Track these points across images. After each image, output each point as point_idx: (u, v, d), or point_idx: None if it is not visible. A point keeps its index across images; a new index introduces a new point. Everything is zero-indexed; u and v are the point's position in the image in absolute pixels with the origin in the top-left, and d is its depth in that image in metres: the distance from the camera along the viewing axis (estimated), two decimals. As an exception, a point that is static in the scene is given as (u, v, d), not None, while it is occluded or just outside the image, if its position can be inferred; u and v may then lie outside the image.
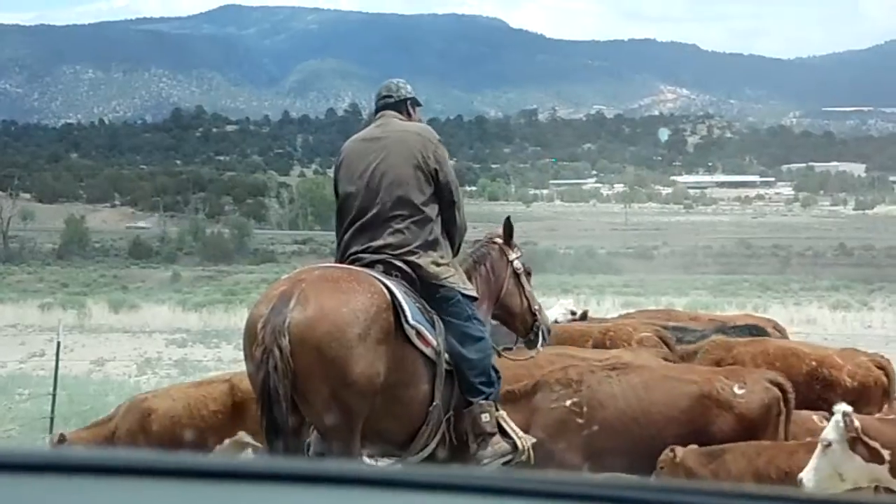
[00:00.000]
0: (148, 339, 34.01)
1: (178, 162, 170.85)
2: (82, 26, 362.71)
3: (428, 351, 7.02)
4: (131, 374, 24.79)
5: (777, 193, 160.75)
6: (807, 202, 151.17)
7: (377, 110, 7.76)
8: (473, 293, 7.37)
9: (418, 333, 6.95)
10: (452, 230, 7.42)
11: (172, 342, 32.95)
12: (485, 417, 7.14)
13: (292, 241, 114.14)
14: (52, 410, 15.14)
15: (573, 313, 13.32)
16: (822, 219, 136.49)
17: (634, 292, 56.61)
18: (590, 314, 14.26)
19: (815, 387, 9.89)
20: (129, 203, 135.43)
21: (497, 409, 7.27)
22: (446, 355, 7.08)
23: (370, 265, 7.10)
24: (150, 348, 30.92)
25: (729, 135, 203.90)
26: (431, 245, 7.22)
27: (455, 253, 7.56)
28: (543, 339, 8.12)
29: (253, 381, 6.91)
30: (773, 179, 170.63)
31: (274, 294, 6.87)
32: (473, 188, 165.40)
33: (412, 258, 7.13)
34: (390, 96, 7.72)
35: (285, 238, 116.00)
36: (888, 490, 7.56)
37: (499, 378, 7.33)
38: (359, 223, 7.25)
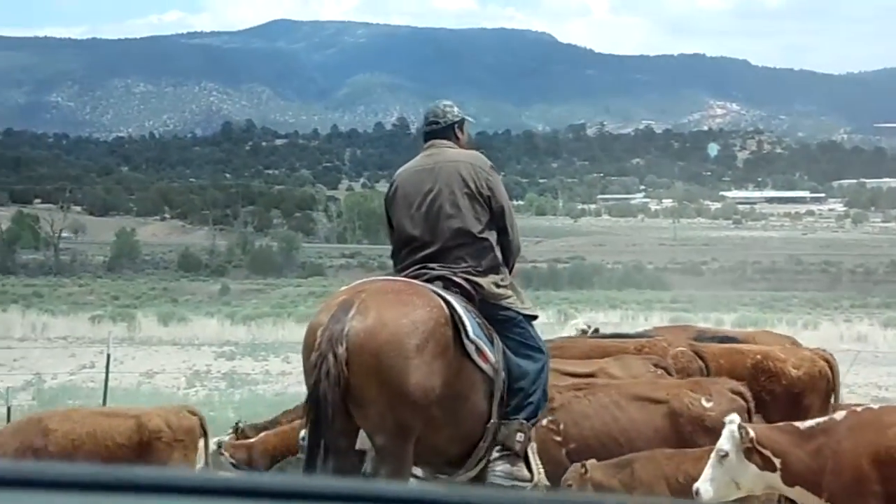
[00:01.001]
0: (197, 352, 34.21)
1: (228, 175, 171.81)
2: (134, 40, 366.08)
3: (486, 367, 7.03)
4: (180, 387, 24.95)
5: (828, 209, 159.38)
6: (858, 218, 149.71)
7: (425, 137, 7.72)
8: (534, 312, 7.42)
9: (477, 349, 6.98)
10: (507, 253, 7.47)
11: (221, 355, 33.14)
12: (520, 436, 7.15)
13: (340, 254, 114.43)
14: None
15: (584, 331, 13.39)
16: (873, 235, 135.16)
17: (683, 308, 56.36)
18: (627, 330, 14.41)
19: (760, 379, 10.21)
20: (178, 216, 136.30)
21: (530, 441, 7.27)
22: (504, 373, 7.09)
23: (431, 280, 7.13)
24: (199, 361, 31.10)
25: (779, 150, 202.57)
26: (492, 269, 7.28)
27: (510, 273, 7.57)
28: None
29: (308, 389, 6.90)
30: (823, 195, 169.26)
31: (334, 303, 6.93)
32: (521, 202, 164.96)
33: (473, 277, 7.18)
34: (437, 122, 7.69)
35: (333, 252, 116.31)
36: (786, 499, 7.77)
37: (545, 404, 7.36)
38: (419, 255, 7.29)
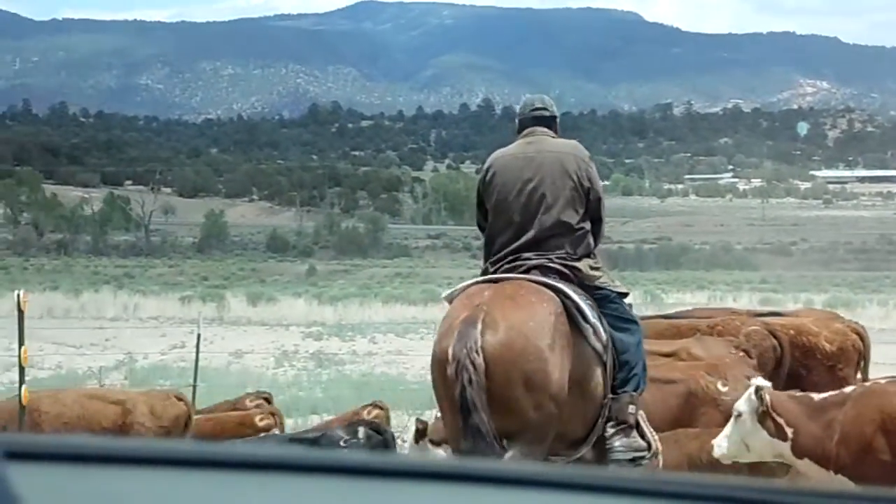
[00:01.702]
0: (285, 332, 34.53)
1: (315, 157, 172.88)
2: (221, 23, 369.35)
3: (598, 346, 7.16)
4: (269, 367, 25.20)
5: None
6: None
7: (527, 123, 7.68)
8: (625, 290, 7.58)
9: (594, 331, 7.13)
10: (598, 240, 7.61)
11: (309, 335, 33.40)
12: (631, 409, 7.26)
13: (426, 235, 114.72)
14: (193, 402, 15.47)
15: None
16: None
17: (772, 289, 55.82)
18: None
19: (794, 354, 10.47)
20: (266, 198, 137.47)
21: (639, 408, 7.39)
22: (611, 349, 7.25)
23: (528, 270, 7.23)
24: (287, 341, 31.38)
25: (870, 129, 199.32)
26: (586, 255, 7.42)
27: (598, 242, 7.74)
28: None
29: (447, 402, 6.98)
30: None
31: (456, 323, 6.94)
32: (607, 183, 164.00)
33: (571, 262, 7.31)
34: (545, 109, 7.72)
35: (419, 233, 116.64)
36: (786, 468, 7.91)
37: (645, 373, 7.45)
38: (515, 244, 7.36)
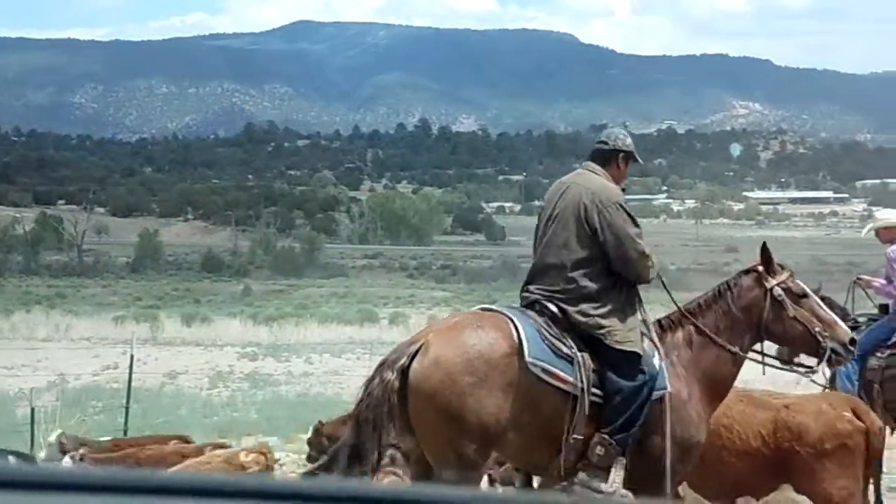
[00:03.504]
0: (219, 353, 34.25)
1: (250, 176, 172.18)
2: (156, 42, 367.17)
3: (566, 387, 7.15)
4: (203, 388, 24.99)
5: (851, 210, 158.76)
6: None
7: (590, 154, 7.93)
8: (629, 347, 7.33)
9: (544, 370, 7.10)
10: (628, 276, 7.50)
11: (244, 355, 33.17)
12: (599, 450, 7.24)
13: (362, 255, 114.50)
14: (126, 423, 15.31)
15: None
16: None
17: (705, 309, 56.10)
18: None
19: None
20: (201, 217, 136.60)
21: (615, 455, 7.29)
22: (595, 390, 7.22)
23: (529, 305, 7.39)
24: (222, 361, 31.14)
25: (802, 150, 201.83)
26: (585, 297, 7.37)
27: (643, 280, 7.59)
28: (830, 359, 7.94)
29: (353, 408, 7.33)
30: (846, 196, 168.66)
31: (404, 342, 7.32)
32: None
33: (563, 305, 7.34)
34: (605, 143, 7.90)
35: (356, 252, 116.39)
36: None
37: (638, 426, 7.31)
38: (534, 267, 7.60)
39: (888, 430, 11.06)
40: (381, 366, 7.12)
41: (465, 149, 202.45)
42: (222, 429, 17.34)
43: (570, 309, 7.31)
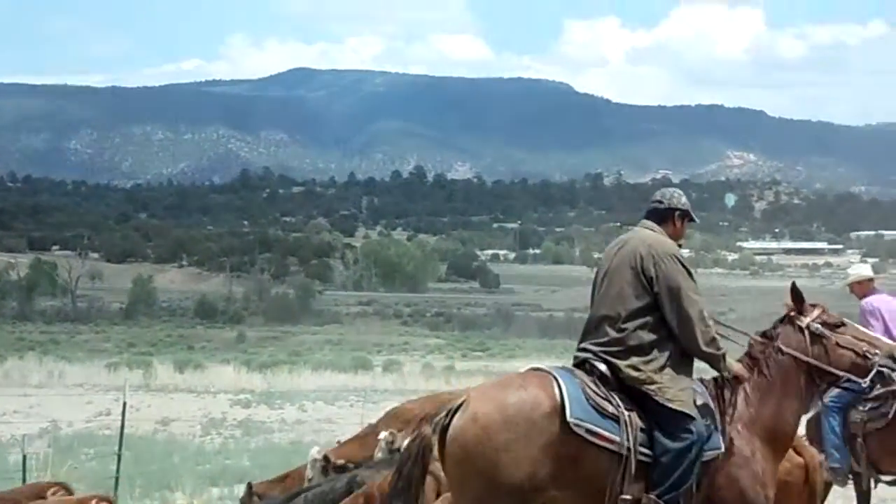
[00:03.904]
0: (213, 400, 34.09)
1: (245, 223, 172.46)
2: (152, 88, 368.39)
3: (612, 447, 7.13)
4: (196, 435, 24.85)
5: (846, 261, 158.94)
6: (876, 270, 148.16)
7: (645, 213, 7.93)
8: (678, 407, 7.28)
9: (588, 431, 7.08)
10: (681, 338, 7.43)
11: (237, 402, 33.00)
12: None
13: (357, 302, 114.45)
14: (118, 470, 15.22)
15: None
16: (891, 287, 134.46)
17: (700, 358, 56.03)
18: None
19: None
20: (195, 263, 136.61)
21: None
22: (644, 449, 7.19)
23: (580, 364, 7.37)
24: (215, 409, 30.98)
25: (796, 201, 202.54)
26: (636, 350, 7.34)
27: (694, 347, 7.47)
28: (880, 380, 7.94)
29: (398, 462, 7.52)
30: (841, 247, 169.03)
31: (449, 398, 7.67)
32: (538, 251, 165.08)
33: (613, 359, 7.31)
34: (661, 203, 7.92)
35: (350, 299, 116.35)
36: None
37: (688, 485, 7.28)
38: (588, 322, 7.58)
39: (871, 483, 11.03)
40: (422, 421, 7.25)
41: (460, 196, 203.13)
42: (215, 476, 17.23)
43: (621, 363, 7.27)
